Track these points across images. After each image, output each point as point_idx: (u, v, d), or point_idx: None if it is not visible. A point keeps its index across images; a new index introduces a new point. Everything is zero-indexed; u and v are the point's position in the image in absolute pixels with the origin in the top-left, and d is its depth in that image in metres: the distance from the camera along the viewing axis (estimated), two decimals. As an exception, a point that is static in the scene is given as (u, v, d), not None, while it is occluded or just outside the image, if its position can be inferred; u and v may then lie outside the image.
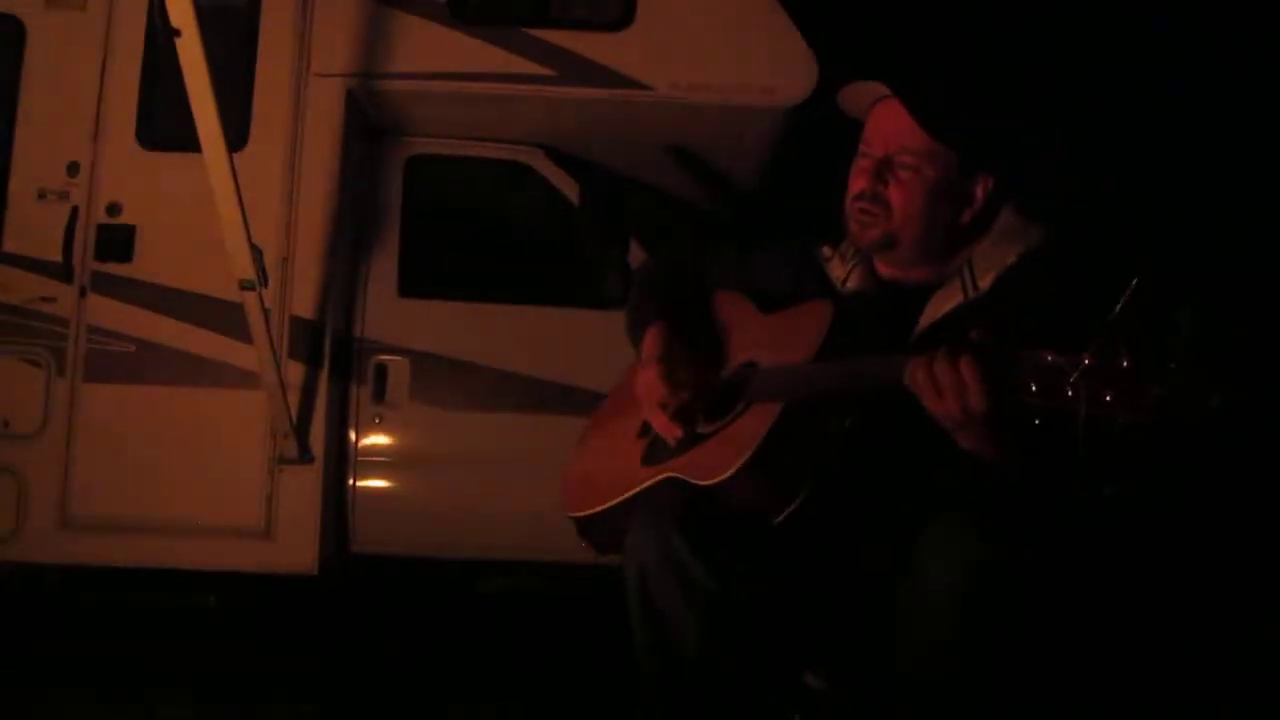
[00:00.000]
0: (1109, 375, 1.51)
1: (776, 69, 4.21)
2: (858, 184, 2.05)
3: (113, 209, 4.15)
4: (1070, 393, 1.53)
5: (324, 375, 4.19)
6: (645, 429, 2.21)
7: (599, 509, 2.17)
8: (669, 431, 2.11)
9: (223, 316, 4.06)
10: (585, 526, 2.24)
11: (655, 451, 2.14)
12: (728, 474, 1.89)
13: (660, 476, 2.05)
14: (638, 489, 2.09)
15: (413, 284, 4.45)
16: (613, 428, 2.32)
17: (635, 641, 1.97)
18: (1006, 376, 1.61)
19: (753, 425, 1.94)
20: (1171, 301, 1.54)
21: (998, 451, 1.75)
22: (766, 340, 2.12)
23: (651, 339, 2.19)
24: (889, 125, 2.03)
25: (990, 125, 2.11)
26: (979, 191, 2.03)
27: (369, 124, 4.49)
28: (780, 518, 1.89)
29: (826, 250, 2.19)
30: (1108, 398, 1.51)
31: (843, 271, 2.14)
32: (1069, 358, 1.54)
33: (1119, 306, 1.51)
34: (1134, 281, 1.52)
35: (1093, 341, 1.52)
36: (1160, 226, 6.09)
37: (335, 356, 4.24)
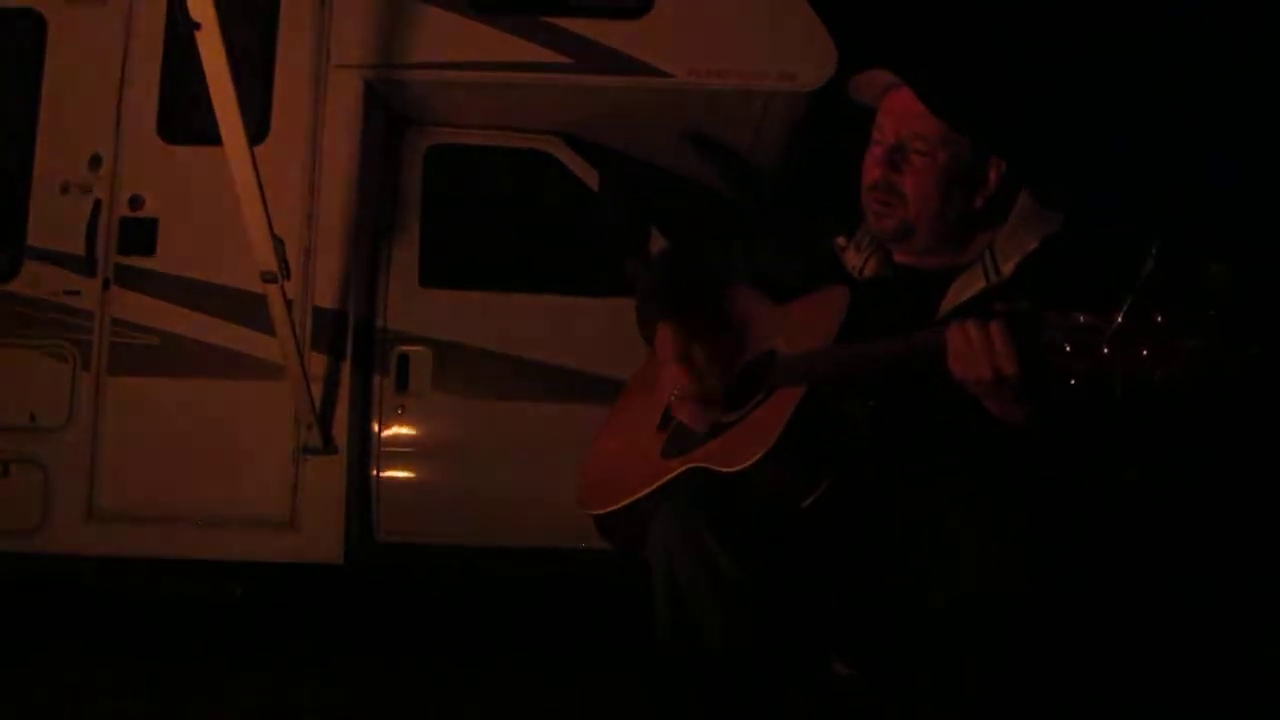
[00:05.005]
0: (1143, 331, 1.50)
1: (795, 54, 4.18)
2: (872, 173, 2.06)
3: (135, 202, 4.16)
4: (1106, 350, 1.52)
5: (347, 366, 4.19)
6: (664, 421, 2.21)
7: (622, 504, 2.16)
8: (700, 421, 2.10)
9: (246, 308, 4.06)
10: (607, 524, 2.23)
11: (676, 443, 2.14)
12: (753, 460, 1.89)
13: (684, 467, 2.05)
14: (661, 482, 2.08)
15: (434, 274, 4.44)
16: (629, 423, 2.32)
17: (660, 629, 1.97)
18: (1038, 339, 1.60)
19: (775, 411, 1.94)
20: (1201, 257, 1.53)
21: (1025, 417, 1.74)
22: (784, 328, 2.12)
23: (665, 336, 2.19)
24: (900, 111, 2.03)
25: (1000, 109, 2.10)
26: (992, 175, 2.03)
27: (389, 115, 4.48)
28: (806, 503, 1.89)
29: (841, 240, 2.18)
30: (1144, 352, 1.50)
31: (858, 260, 2.14)
32: (1102, 317, 1.53)
33: (1148, 264, 1.50)
34: (1159, 242, 1.51)
35: (1125, 300, 1.51)
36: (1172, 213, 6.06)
37: (358, 347, 4.24)
